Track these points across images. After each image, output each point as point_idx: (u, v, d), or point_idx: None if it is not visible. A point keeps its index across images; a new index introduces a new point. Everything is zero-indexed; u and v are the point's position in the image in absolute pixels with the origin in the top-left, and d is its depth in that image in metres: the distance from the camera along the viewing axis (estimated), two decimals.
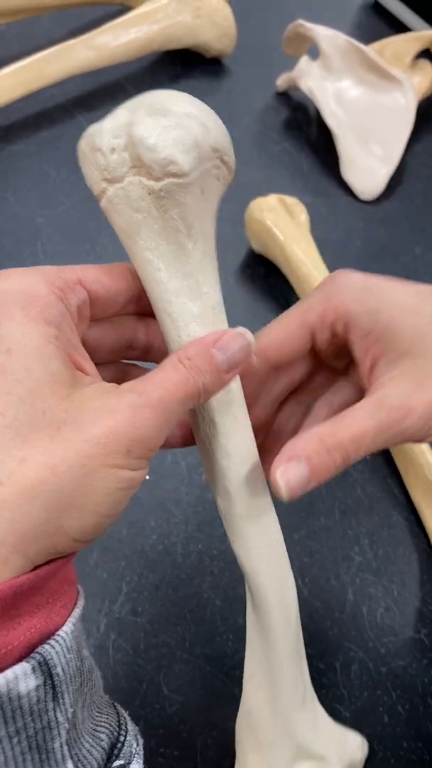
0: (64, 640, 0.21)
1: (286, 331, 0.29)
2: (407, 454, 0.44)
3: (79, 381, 0.22)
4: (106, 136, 0.23)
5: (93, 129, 0.24)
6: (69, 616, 0.21)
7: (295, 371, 0.31)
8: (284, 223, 0.51)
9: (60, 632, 0.21)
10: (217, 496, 0.28)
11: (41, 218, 0.55)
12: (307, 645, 0.37)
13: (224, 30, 0.65)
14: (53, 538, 0.20)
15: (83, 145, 0.24)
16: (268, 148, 0.63)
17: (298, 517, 0.43)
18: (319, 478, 0.25)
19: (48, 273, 0.23)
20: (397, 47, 0.64)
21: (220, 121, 0.24)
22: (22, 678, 0.19)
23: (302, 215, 0.53)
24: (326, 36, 0.61)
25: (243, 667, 0.34)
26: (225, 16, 0.65)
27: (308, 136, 0.64)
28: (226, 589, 0.40)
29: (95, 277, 0.25)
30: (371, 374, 0.28)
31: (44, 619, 0.21)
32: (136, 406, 0.22)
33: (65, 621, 0.21)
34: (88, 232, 0.54)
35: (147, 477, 0.43)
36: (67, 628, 0.21)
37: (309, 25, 0.61)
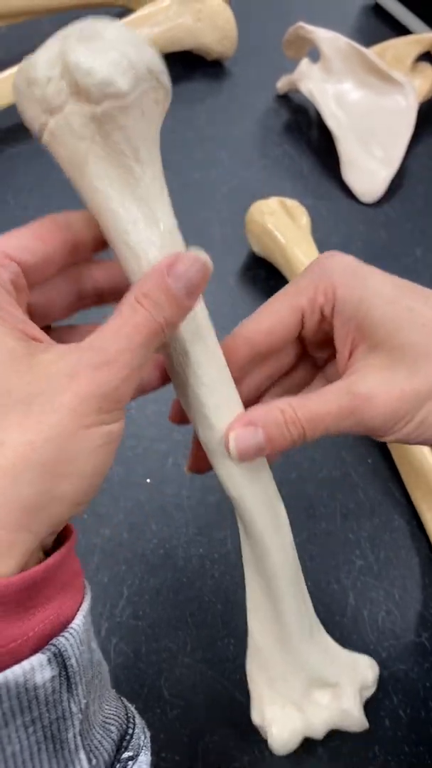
0: (77, 632, 0.21)
1: (277, 316, 0.29)
2: (409, 458, 0.44)
3: (36, 351, 0.22)
4: (41, 68, 0.23)
5: (26, 63, 0.23)
6: (79, 607, 0.22)
7: (280, 360, 0.31)
8: (285, 226, 0.51)
9: (73, 624, 0.21)
10: (197, 427, 0.27)
11: None
12: None
13: (225, 32, 0.65)
14: (51, 509, 0.21)
15: (18, 81, 0.24)
16: (269, 150, 0.63)
17: (298, 521, 0.43)
18: (274, 448, 0.26)
19: None
20: (398, 50, 0.64)
21: (150, 46, 0.24)
22: (38, 669, 0.20)
23: (303, 218, 0.53)
24: (327, 38, 0.61)
25: (245, 671, 0.34)
26: (226, 18, 0.65)
27: (309, 139, 0.64)
28: (227, 593, 0.40)
29: (21, 245, 0.24)
30: (348, 361, 0.28)
31: (56, 610, 0.21)
32: (96, 364, 0.21)
33: (76, 612, 0.22)
34: None
35: (148, 480, 0.43)
36: (79, 621, 0.21)
37: (310, 27, 0.61)
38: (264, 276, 0.54)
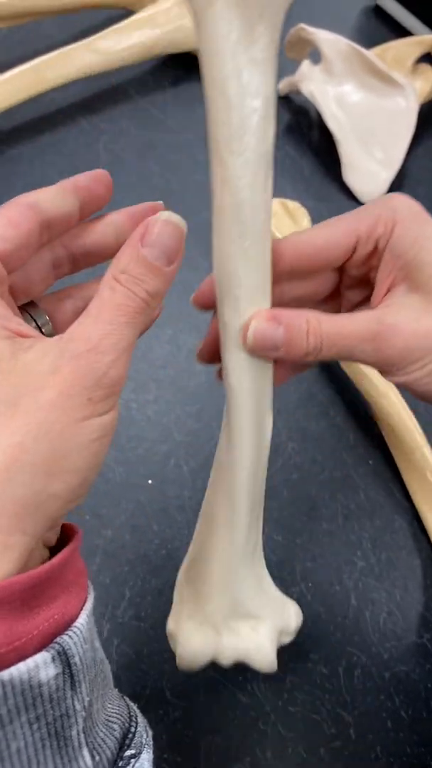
0: (81, 631, 0.21)
1: (333, 235, 0.29)
2: (410, 459, 0.44)
3: (20, 348, 0.22)
4: None
5: None
6: (83, 606, 0.22)
7: (314, 286, 0.31)
8: (286, 228, 0.51)
9: (77, 623, 0.21)
10: (222, 307, 0.27)
11: None
12: (311, 650, 0.37)
13: None
14: (46, 508, 0.21)
15: None
16: None
17: (300, 522, 0.43)
18: (288, 351, 0.26)
19: None
20: (399, 51, 0.64)
21: None
22: (42, 667, 0.20)
23: (304, 219, 0.53)
24: (328, 40, 0.62)
25: (245, 673, 0.34)
26: None
27: (310, 140, 0.64)
28: None
29: None
30: (383, 297, 0.28)
31: (61, 609, 0.21)
32: (80, 355, 0.21)
33: (80, 611, 0.22)
34: None
35: (150, 482, 0.43)
36: (82, 620, 0.21)
37: (311, 29, 0.61)
38: None
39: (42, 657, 0.20)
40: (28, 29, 0.67)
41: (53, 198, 0.25)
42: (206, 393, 0.47)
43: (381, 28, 0.75)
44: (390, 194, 0.29)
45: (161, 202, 0.29)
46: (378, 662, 0.39)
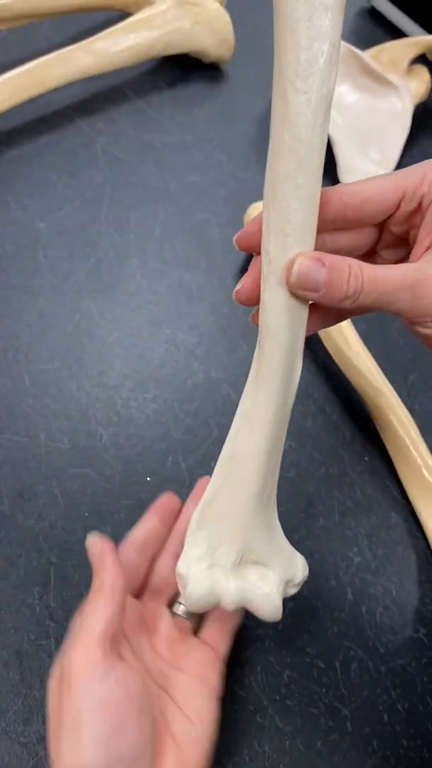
0: None
1: (380, 188, 0.29)
2: (406, 456, 0.45)
3: None
4: None
5: None
6: None
7: (354, 240, 0.32)
8: None
9: None
10: (268, 243, 0.27)
11: (42, 223, 0.55)
12: (308, 644, 0.38)
13: (223, 36, 0.66)
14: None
15: None
16: (267, 153, 0.63)
17: (297, 519, 0.44)
18: (328, 293, 0.27)
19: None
20: (394, 52, 0.65)
21: None
22: None
23: None
24: None
25: (244, 666, 0.35)
26: (223, 22, 0.65)
27: None
28: None
29: (107, 623, 0.30)
30: (424, 254, 0.29)
31: None
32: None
33: None
34: (88, 236, 0.55)
35: (148, 479, 0.44)
36: None
37: None
38: None
39: None
40: (26, 31, 0.67)
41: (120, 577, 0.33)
42: (204, 392, 0.48)
43: (376, 29, 0.75)
44: None
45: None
46: (374, 656, 0.40)
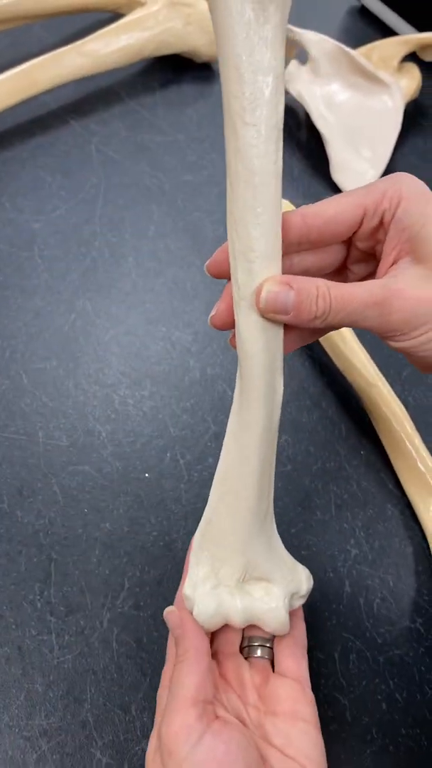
0: None
1: (341, 207, 0.30)
2: (401, 449, 0.45)
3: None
4: None
5: None
6: None
7: (323, 259, 0.32)
8: None
9: None
10: (236, 272, 0.28)
11: (37, 223, 0.55)
12: (307, 635, 0.38)
13: (214, 36, 0.66)
14: None
15: None
16: None
17: (294, 512, 0.44)
18: (298, 315, 0.28)
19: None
20: (384, 51, 0.65)
21: None
22: None
23: None
24: (314, 41, 0.63)
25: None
26: None
27: (298, 140, 0.65)
28: None
29: (196, 689, 0.30)
30: (390, 269, 0.30)
31: None
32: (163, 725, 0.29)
33: None
34: (83, 237, 0.55)
35: (147, 475, 0.44)
36: None
37: (297, 30, 0.62)
38: None
39: None
40: (18, 33, 0.67)
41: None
42: (200, 389, 0.48)
43: (366, 28, 0.76)
44: (396, 173, 0.31)
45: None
46: (372, 647, 0.40)
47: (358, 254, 0.33)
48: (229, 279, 0.30)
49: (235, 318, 0.29)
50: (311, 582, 0.35)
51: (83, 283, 0.53)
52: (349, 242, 0.32)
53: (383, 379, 0.47)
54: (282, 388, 0.31)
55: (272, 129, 0.27)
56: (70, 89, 0.63)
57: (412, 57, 0.68)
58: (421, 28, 0.71)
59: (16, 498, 0.43)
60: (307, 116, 0.64)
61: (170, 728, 0.29)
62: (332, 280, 0.33)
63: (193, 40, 0.66)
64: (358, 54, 0.63)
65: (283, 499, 0.44)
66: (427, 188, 0.30)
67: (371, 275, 0.33)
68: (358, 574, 0.42)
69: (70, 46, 0.60)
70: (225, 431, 0.46)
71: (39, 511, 0.42)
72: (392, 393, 0.47)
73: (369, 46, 0.66)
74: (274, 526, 0.34)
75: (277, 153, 0.27)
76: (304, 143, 0.65)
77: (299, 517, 0.44)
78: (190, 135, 0.64)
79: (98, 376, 0.48)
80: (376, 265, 0.31)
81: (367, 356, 0.48)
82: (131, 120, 0.64)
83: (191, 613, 0.32)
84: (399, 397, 0.47)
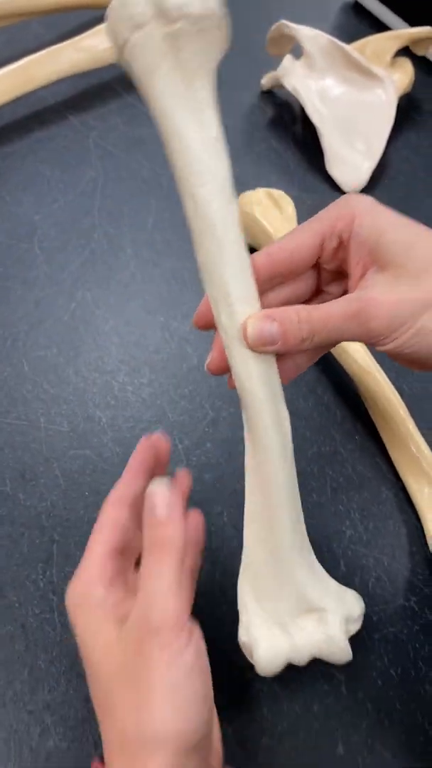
0: None
1: (300, 239, 0.32)
2: (395, 433, 0.46)
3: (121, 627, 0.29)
4: None
5: None
6: None
7: (298, 288, 0.34)
8: (272, 216, 0.53)
9: None
10: (220, 317, 0.30)
11: (37, 216, 0.56)
12: None
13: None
14: (170, 748, 0.27)
15: (114, 2, 0.28)
16: (255, 145, 0.65)
17: None
18: (286, 342, 0.30)
19: (82, 573, 0.30)
20: (378, 45, 0.66)
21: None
22: None
23: (289, 207, 0.55)
24: (309, 36, 0.64)
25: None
26: None
27: (293, 133, 0.66)
28: (225, 564, 0.42)
29: (105, 540, 0.31)
30: (359, 282, 0.31)
31: None
32: (141, 612, 0.28)
33: None
34: (82, 228, 0.56)
35: None
36: None
37: (292, 25, 0.63)
38: None
39: None
40: (15, 30, 0.68)
41: (129, 486, 0.34)
42: (198, 376, 0.49)
43: (360, 23, 0.77)
44: (345, 195, 0.32)
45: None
46: (367, 624, 0.41)
47: (329, 276, 0.34)
48: (216, 328, 0.31)
49: (229, 360, 0.31)
50: (362, 603, 0.35)
51: (83, 274, 0.54)
52: (318, 267, 0.34)
53: (378, 366, 0.48)
54: (287, 414, 0.32)
55: (222, 183, 0.29)
56: (67, 85, 0.64)
57: (404, 51, 0.69)
58: (413, 23, 0.72)
59: (19, 481, 0.43)
60: (302, 110, 0.65)
61: (158, 619, 0.28)
62: (311, 304, 0.35)
63: None
64: (352, 49, 0.64)
65: None
66: (376, 203, 0.31)
67: (346, 292, 0.34)
68: (354, 555, 0.43)
69: (67, 42, 0.61)
70: (222, 417, 0.47)
71: (41, 494, 0.43)
72: (387, 380, 0.48)
73: (362, 41, 0.67)
74: (313, 554, 0.35)
75: (231, 204, 0.29)
76: (299, 137, 0.66)
77: None
78: None
79: (98, 364, 0.49)
80: (348, 282, 0.33)
81: (362, 344, 0.49)
82: (128, 114, 0.64)
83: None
84: (393, 384, 0.48)
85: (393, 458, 0.47)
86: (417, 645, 0.41)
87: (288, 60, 0.65)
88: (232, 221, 0.29)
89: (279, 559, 0.33)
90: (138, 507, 0.32)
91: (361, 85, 0.65)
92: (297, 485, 0.33)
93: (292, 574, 0.33)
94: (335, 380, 0.50)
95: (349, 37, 0.68)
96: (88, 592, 0.30)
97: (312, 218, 0.32)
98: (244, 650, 0.34)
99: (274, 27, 0.65)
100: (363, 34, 0.69)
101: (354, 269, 0.32)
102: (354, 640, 0.40)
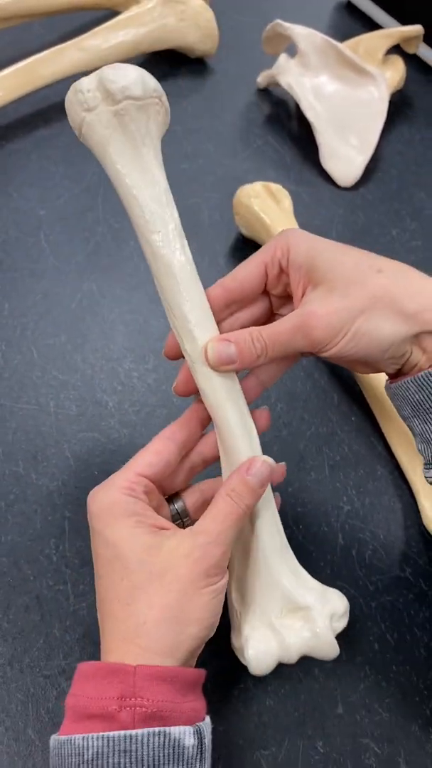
0: (207, 726, 0.31)
1: (246, 270, 0.37)
2: (389, 414, 0.48)
3: (164, 539, 0.33)
4: (84, 83, 0.33)
5: (75, 83, 0.34)
6: (206, 714, 0.32)
7: (253, 313, 0.39)
8: (270, 208, 0.55)
9: (206, 719, 0.31)
10: (183, 344, 0.35)
11: (43, 210, 0.58)
12: None
13: (207, 32, 0.69)
14: (184, 643, 0.31)
15: (69, 93, 0.34)
16: (252, 141, 0.67)
17: (290, 473, 0.47)
18: (243, 360, 0.35)
19: (117, 481, 0.34)
20: (370, 44, 0.69)
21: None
22: (188, 735, 0.29)
23: (286, 200, 0.57)
24: (303, 35, 0.66)
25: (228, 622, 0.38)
26: (207, 18, 0.69)
27: (289, 129, 0.69)
28: None
29: (145, 463, 0.35)
30: (300, 300, 0.36)
31: (195, 705, 0.31)
32: (204, 544, 0.32)
33: (204, 714, 0.32)
34: (86, 222, 0.58)
35: None
36: (208, 720, 0.31)
37: (286, 24, 0.65)
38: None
39: (188, 729, 0.29)
40: (18, 31, 0.70)
41: (183, 428, 0.37)
42: None
43: (352, 22, 0.79)
44: (283, 230, 0.37)
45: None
46: (365, 594, 0.43)
47: (278, 300, 0.39)
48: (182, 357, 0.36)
49: (195, 380, 0.35)
50: (345, 601, 0.38)
51: (88, 265, 0.56)
52: (267, 293, 0.38)
53: None
54: (255, 429, 0.36)
55: (172, 229, 0.34)
56: (70, 84, 0.65)
57: (396, 49, 0.71)
58: (404, 22, 0.75)
59: (31, 462, 0.46)
60: (297, 107, 0.67)
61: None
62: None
63: (186, 35, 0.69)
64: (345, 47, 0.67)
65: (279, 462, 0.47)
66: (308, 233, 0.37)
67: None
68: (351, 528, 0.46)
69: (70, 42, 0.63)
70: None
71: (53, 474, 0.45)
72: None
73: (355, 39, 0.69)
74: (294, 557, 0.38)
75: (183, 245, 0.35)
76: (295, 132, 0.68)
77: (295, 477, 0.47)
78: (186, 126, 0.67)
79: (104, 351, 0.51)
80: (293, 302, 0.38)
81: None
82: None
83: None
84: None
85: (387, 437, 0.49)
86: (412, 612, 0.43)
87: (283, 58, 0.67)
88: (186, 260, 0.35)
89: (262, 564, 0.36)
90: (184, 449, 0.37)
91: (354, 82, 0.67)
92: (272, 493, 0.37)
93: (275, 577, 0.36)
94: (331, 365, 0.53)
95: (342, 35, 0.70)
96: (119, 499, 0.33)
97: (256, 252, 0.37)
98: (236, 653, 0.37)
99: (269, 26, 0.67)
100: (356, 32, 0.71)
101: (295, 290, 0.36)
102: (353, 609, 0.43)
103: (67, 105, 0.34)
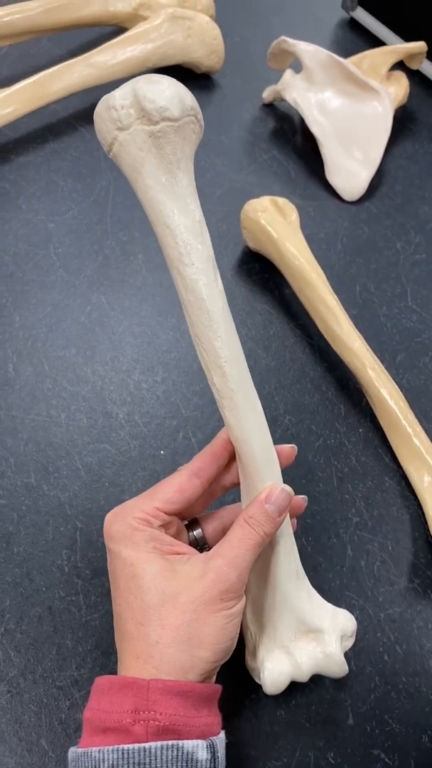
0: (221, 741, 0.31)
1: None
2: (396, 426, 0.49)
3: (180, 563, 0.33)
4: (118, 98, 0.31)
5: (107, 96, 0.31)
6: (221, 730, 0.32)
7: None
8: (277, 222, 0.56)
9: (220, 734, 0.31)
10: (213, 377, 0.34)
11: (52, 223, 0.59)
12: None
13: (213, 48, 0.70)
14: (196, 665, 0.31)
15: (100, 107, 0.32)
16: (258, 156, 0.68)
17: (299, 484, 0.48)
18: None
19: (135, 512, 0.34)
20: (374, 60, 0.70)
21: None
22: (201, 749, 0.29)
23: (293, 214, 0.57)
24: (308, 51, 0.67)
25: (242, 642, 0.38)
26: (214, 35, 0.70)
27: (294, 144, 0.69)
28: None
29: (168, 500, 0.35)
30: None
31: (209, 720, 0.31)
32: (219, 567, 0.32)
33: (219, 730, 0.32)
34: (95, 235, 0.59)
35: (162, 453, 0.48)
36: (222, 735, 0.32)
37: (291, 41, 0.66)
38: (258, 269, 0.59)
39: (202, 742, 0.30)
40: (27, 47, 0.71)
41: (210, 461, 0.37)
42: None
43: (356, 38, 0.80)
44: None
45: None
46: (374, 604, 0.44)
47: None
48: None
49: (222, 416, 0.35)
50: (354, 621, 0.38)
51: (97, 278, 0.56)
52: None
53: (378, 362, 0.51)
54: (278, 461, 0.36)
55: (206, 261, 0.33)
56: (79, 99, 0.66)
57: (399, 65, 0.72)
58: (407, 39, 0.76)
59: (43, 474, 0.46)
60: (303, 122, 0.68)
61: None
62: None
63: (193, 51, 0.70)
64: (350, 63, 0.67)
65: (288, 473, 0.47)
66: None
67: None
68: (359, 540, 0.46)
69: (79, 58, 0.64)
70: None
71: (64, 486, 0.46)
72: (387, 374, 0.50)
73: (359, 55, 0.70)
74: (307, 579, 0.38)
75: (216, 278, 0.33)
76: (300, 147, 0.69)
77: (303, 488, 0.47)
78: None
79: (114, 363, 0.52)
80: None
81: (363, 341, 0.52)
82: None
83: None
84: (394, 379, 0.51)
85: (395, 449, 0.49)
86: (420, 623, 0.43)
87: (288, 74, 0.68)
88: (218, 293, 0.33)
89: (279, 590, 0.37)
90: (206, 481, 0.37)
91: (358, 97, 0.68)
92: (289, 520, 0.37)
93: (292, 603, 0.37)
94: (339, 377, 0.53)
95: (347, 52, 0.71)
96: (136, 527, 0.34)
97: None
98: (251, 673, 0.38)
99: (274, 43, 0.68)
100: (360, 49, 0.72)
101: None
102: (362, 619, 0.43)
103: (96, 119, 0.32)
